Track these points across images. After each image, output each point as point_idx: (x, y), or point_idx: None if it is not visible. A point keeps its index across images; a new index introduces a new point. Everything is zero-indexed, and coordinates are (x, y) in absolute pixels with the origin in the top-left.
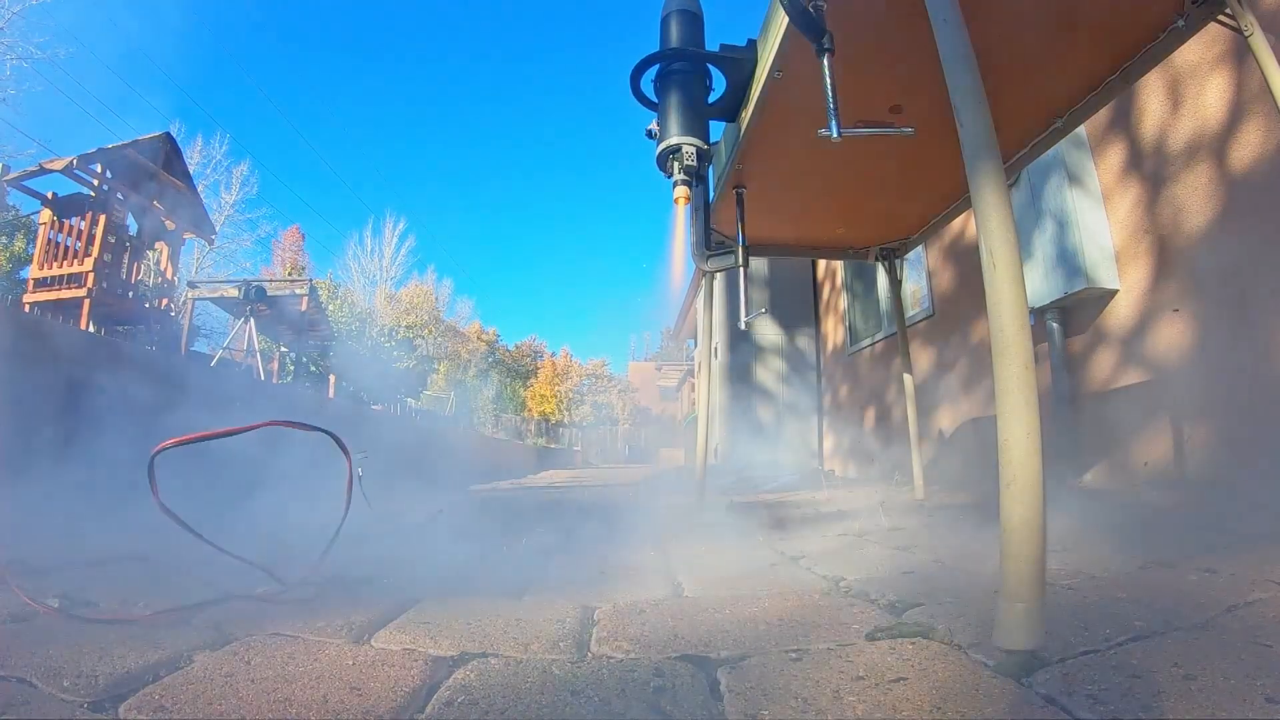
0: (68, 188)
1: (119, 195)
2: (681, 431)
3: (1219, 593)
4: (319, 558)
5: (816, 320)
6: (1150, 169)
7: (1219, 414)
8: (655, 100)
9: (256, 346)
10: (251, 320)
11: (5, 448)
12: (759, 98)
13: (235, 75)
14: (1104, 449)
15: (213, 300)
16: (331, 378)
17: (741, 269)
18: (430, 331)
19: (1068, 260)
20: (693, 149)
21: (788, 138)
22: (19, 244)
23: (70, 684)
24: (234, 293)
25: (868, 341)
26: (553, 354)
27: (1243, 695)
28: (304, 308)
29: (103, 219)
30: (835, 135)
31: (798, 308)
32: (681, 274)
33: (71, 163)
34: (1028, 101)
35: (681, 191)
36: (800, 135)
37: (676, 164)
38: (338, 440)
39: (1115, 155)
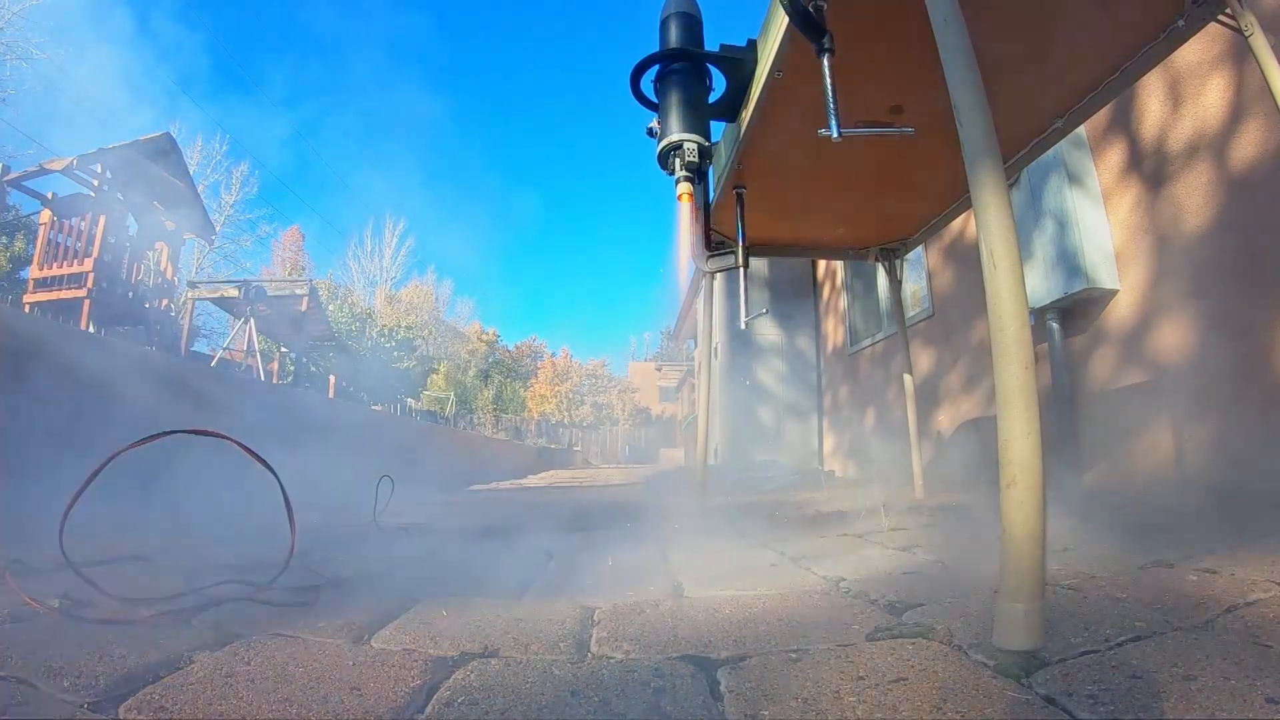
0: (68, 188)
1: (119, 195)
2: (682, 432)
3: (1219, 593)
4: (284, 565)
5: (816, 320)
6: (1150, 169)
7: (1219, 414)
8: (655, 100)
9: (256, 347)
10: (251, 320)
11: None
12: (759, 98)
13: (235, 75)
14: (1104, 449)
15: (213, 300)
16: (331, 378)
17: (741, 269)
18: (430, 332)
19: (1068, 260)
20: (694, 145)
21: (788, 138)
22: (19, 244)
23: (70, 684)
24: (234, 293)
25: (868, 341)
26: (553, 354)
27: (1243, 695)
28: (304, 308)
29: (103, 219)
30: (835, 135)
31: (798, 308)
32: (687, 271)
33: (71, 163)
34: (1028, 101)
35: (684, 188)
36: (800, 135)
37: (678, 161)
38: (245, 447)
39: (1115, 155)
